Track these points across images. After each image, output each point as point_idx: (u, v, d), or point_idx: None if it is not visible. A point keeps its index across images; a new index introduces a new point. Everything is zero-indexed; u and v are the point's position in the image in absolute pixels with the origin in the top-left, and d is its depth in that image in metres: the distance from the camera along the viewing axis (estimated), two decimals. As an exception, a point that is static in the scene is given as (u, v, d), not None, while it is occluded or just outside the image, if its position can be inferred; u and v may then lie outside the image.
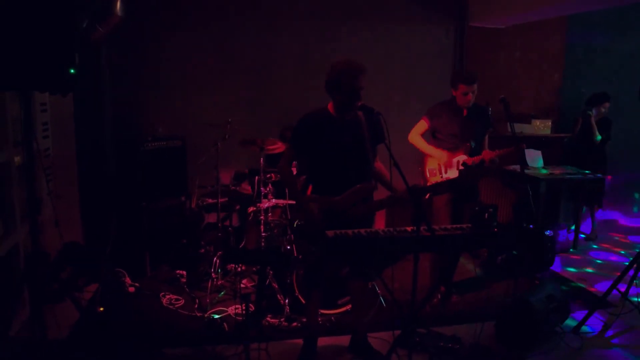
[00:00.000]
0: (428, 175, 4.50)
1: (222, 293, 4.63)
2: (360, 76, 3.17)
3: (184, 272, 4.95)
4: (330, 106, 3.35)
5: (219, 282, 4.80)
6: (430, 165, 4.49)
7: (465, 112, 4.39)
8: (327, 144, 3.29)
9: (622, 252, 6.12)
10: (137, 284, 4.82)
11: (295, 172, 4.70)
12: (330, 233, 2.94)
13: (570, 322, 4.10)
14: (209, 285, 4.59)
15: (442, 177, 4.40)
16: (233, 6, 5.99)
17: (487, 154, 4.28)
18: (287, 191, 4.80)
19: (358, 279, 3.62)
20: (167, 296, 4.61)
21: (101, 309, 4.03)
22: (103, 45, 5.18)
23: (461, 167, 4.30)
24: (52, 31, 2.58)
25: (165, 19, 5.82)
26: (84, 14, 3.75)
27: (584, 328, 4.06)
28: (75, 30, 2.65)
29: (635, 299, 4.14)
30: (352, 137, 3.30)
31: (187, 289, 4.72)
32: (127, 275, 4.93)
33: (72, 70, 2.63)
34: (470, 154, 4.34)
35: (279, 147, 4.90)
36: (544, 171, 6.09)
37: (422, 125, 4.52)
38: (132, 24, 5.06)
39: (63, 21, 2.59)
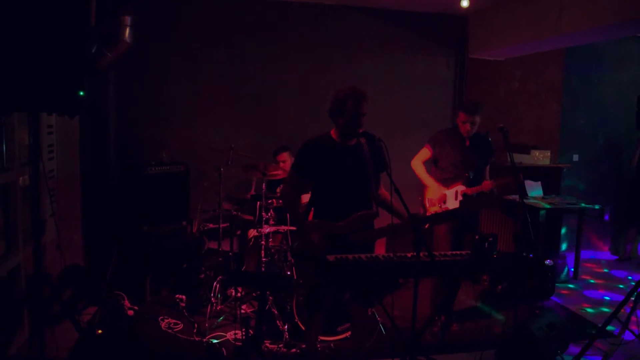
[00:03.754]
0: (427, 204, 4.52)
1: (222, 318, 4.60)
2: (364, 102, 3.24)
3: (184, 297, 4.93)
4: (333, 132, 3.40)
5: (219, 307, 4.78)
6: (430, 195, 4.52)
7: (467, 142, 4.43)
8: (330, 169, 3.32)
9: (621, 286, 6.11)
10: (136, 307, 4.80)
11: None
12: (330, 257, 2.95)
13: (570, 352, 4.07)
14: (209, 310, 4.56)
15: (440, 207, 4.43)
16: (237, 35, 6.12)
17: (486, 184, 4.31)
18: (288, 216, 4.82)
19: (359, 304, 3.61)
20: (166, 320, 4.59)
21: (100, 331, 4.01)
22: (110, 70, 5.27)
23: (461, 198, 4.34)
24: (62, 54, 2.64)
25: (171, 46, 5.94)
26: (93, 39, 3.83)
27: (584, 358, 4.02)
28: (84, 54, 2.71)
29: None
30: (355, 163, 3.34)
31: (186, 314, 4.70)
32: (126, 299, 4.91)
33: (80, 93, 2.69)
34: (469, 184, 4.37)
35: (280, 173, 4.95)
36: (545, 200, 6.12)
37: (425, 152, 4.57)
38: (139, 51, 5.17)
39: (73, 45, 2.66)
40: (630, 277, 6.29)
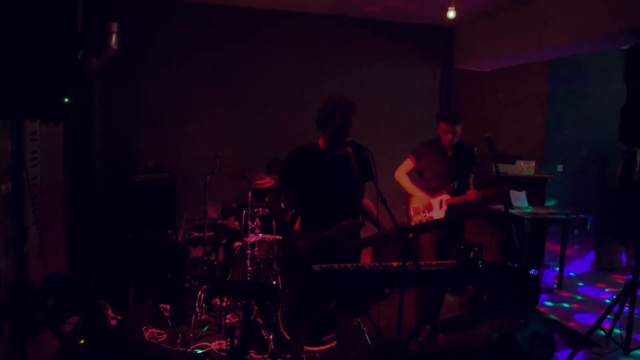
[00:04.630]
0: (412, 213, 4.56)
1: (206, 328, 4.57)
2: (352, 112, 3.27)
3: (168, 306, 4.88)
4: (320, 142, 3.42)
5: (203, 317, 4.74)
6: (415, 203, 4.56)
7: (450, 151, 4.48)
8: (317, 178, 3.33)
9: (607, 290, 6.18)
10: (119, 317, 4.75)
11: (283, 207, 4.73)
12: (316, 267, 2.96)
13: (555, 361, 4.10)
14: (193, 319, 4.53)
15: (425, 216, 4.47)
16: (225, 42, 6.12)
17: (471, 194, 4.37)
18: (274, 225, 4.81)
19: (345, 314, 3.61)
20: (150, 330, 4.55)
21: (82, 341, 3.96)
22: (96, 77, 5.24)
23: (445, 207, 4.39)
24: (48, 60, 2.62)
25: (158, 52, 5.92)
26: (79, 45, 3.81)
27: (569, 368, 4.06)
28: (71, 60, 2.70)
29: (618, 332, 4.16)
30: (342, 173, 3.35)
31: (170, 323, 4.66)
32: (109, 308, 4.86)
33: (66, 100, 2.67)
34: (454, 193, 4.42)
35: (267, 181, 4.94)
36: (529, 210, 6.18)
37: (408, 164, 4.62)
38: (125, 57, 5.15)
39: (59, 51, 2.64)
40: (611, 288, 6.36)
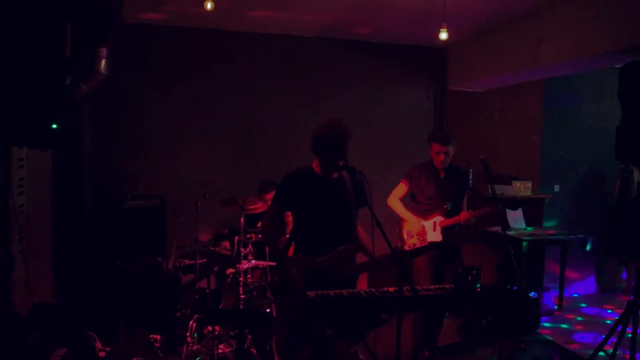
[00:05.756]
0: (405, 237, 4.58)
1: (198, 358, 4.51)
2: (347, 137, 3.28)
3: (159, 336, 4.83)
4: (315, 165, 3.42)
5: (195, 347, 4.69)
6: (408, 227, 4.58)
7: (442, 173, 4.51)
8: (312, 203, 3.33)
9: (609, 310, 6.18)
10: (107, 349, 4.68)
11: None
12: (311, 293, 2.94)
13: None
14: (184, 350, 4.49)
15: (418, 239, 4.48)
16: (216, 65, 6.18)
17: (464, 215, 4.38)
18: (267, 251, 4.80)
19: (341, 341, 3.58)
20: (140, 361, 4.49)
21: (69, 374, 3.90)
22: (85, 103, 5.26)
23: (439, 228, 4.40)
24: (35, 86, 2.64)
25: (148, 78, 5.97)
26: (68, 71, 3.83)
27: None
28: (59, 86, 2.71)
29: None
30: (337, 197, 3.35)
31: (161, 354, 4.61)
32: (97, 339, 4.79)
33: (54, 126, 2.68)
34: (447, 215, 4.44)
35: (260, 206, 4.94)
36: (527, 231, 6.19)
37: (402, 188, 4.64)
38: (114, 83, 5.18)
39: (48, 77, 2.66)
40: (614, 309, 6.35)
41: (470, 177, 5.31)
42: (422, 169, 4.59)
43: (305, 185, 3.35)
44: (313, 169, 3.42)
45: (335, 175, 3.38)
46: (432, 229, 4.46)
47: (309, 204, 3.32)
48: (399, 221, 4.63)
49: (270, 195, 5.40)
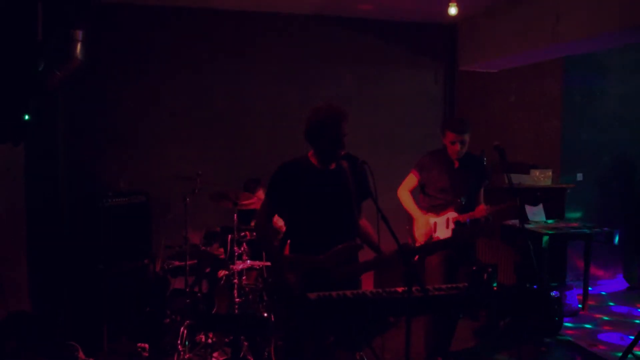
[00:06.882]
0: (416, 234, 4.53)
1: (190, 368, 4.53)
2: (344, 122, 3.24)
3: (147, 345, 4.85)
4: (311, 155, 3.39)
5: (187, 356, 4.69)
6: (417, 228, 4.54)
7: (457, 163, 4.46)
8: (308, 196, 3.30)
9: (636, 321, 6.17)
10: (91, 359, 4.69)
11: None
12: (312, 295, 2.92)
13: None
14: (175, 359, 4.48)
15: (431, 237, 4.44)
16: (201, 49, 6.15)
17: (480, 210, 4.32)
18: (263, 250, 4.79)
19: (344, 348, 3.58)
20: (127, 373, 4.51)
21: (49, 388, 3.91)
22: (60, 91, 5.24)
23: (452, 226, 4.36)
24: (4, 73, 2.62)
25: (129, 63, 5.94)
26: (40, 55, 3.81)
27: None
28: (30, 73, 2.69)
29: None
30: (336, 190, 3.33)
31: (149, 365, 4.62)
32: (80, 349, 4.80)
33: (26, 117, 2.66)
34: (461, 210, 4.37)
35: (254, 201, 4.92)
36: (548, 224, 6.18)
37: (412, 179, 4.60)
38: (92, 69, 5.15)
39: (16, 62, 2.64)
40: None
41: (485, 165, 5.27)
42: (435, 158, 4.54)
43: (300, 177, 3.31)
44: (309, 159, 3.38)
45: (334, 165, 3.36)
46: (444, 226, 4.41)
47: (305, 199, 3.29)
48: (410, 216, 4.61)
49: (257, 194, 5.40)
